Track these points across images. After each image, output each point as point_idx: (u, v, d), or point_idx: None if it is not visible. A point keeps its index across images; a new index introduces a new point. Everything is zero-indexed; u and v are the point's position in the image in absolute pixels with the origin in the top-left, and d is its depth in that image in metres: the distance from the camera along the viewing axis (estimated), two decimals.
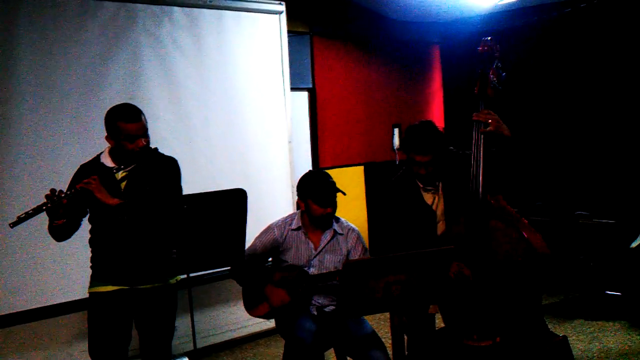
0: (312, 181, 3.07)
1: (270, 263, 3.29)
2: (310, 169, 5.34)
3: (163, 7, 4.19)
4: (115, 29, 3.98)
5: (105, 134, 2.75)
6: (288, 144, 4.84)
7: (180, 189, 2.89)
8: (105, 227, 2.79)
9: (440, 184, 3.01)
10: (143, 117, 2.76)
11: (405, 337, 2.78)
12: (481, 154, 2.74)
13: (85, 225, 2.87)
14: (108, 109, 2.77)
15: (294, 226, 3.15)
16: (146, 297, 2.82)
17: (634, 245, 4.36)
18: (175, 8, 4.25)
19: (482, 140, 2.74)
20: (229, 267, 3.14)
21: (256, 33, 4.65)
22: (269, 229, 3.20)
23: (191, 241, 2.60)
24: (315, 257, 3.12)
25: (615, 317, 4.62)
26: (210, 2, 4.39)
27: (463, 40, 5.89)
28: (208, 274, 3.98)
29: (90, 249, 2.87)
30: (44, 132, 3.71)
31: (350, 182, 5.73)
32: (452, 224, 2.92)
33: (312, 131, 5.48)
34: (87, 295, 2.88)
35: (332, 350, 3.24)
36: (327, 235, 3.14)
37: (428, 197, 3.02)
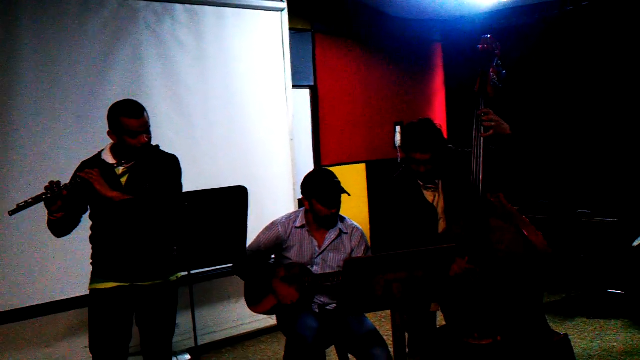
0: (317, 181, 3.05)
1: (272, 260, 3.28)
2: (312, 166, 5.34)
3: (164, 4, 4.18)
4: (116, 26, 3.97)
5: (108, 129, 2.76)
6: (290, 141, 4.83)
7: (180, 186, 2.89)
8: (106, 224, 2.79)
9: (440, 182, 3.00)
10: (146, 114, 2.76)
11: (407, 334, 2.77)
12: (481, 152, 2.73)
13: (85, 222, 2.87)
14: (110, 105, 2.78)
15: (298, 224, 3.14)
16: (147, 294, 2.82)
17: (636, 243, 4.35)
18: (177, 5, 4.25)
19: (482, 139, 2.74)
20: (230, 264, 3.15)
21: (258, 30, 4.64)
22: (272, 225, 3.19)
23: (192, 238, 2.60)
24: (318, 255, 3.11)
25: (617, 316, 4.62)
26: None
27: (465, 38, 5.89)
28: (209, 271, 3.98)
29: (90, 245, 2.87)
30: (46, 129, 3.71)
31: (352, 179, 5.72)
32: (453, 223, 2.92)
33: (313, 128, 5.47)
34: (87, 292, 2.88)
35: (333, 348, 3.24)
36: (332, 234, 3.13)
37: (429, 195, 3.02)
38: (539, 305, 2.75)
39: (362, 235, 3.20)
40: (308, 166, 5.29)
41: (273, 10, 4.73)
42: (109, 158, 2.80)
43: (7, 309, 3.59)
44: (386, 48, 6.04)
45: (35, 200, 2.58)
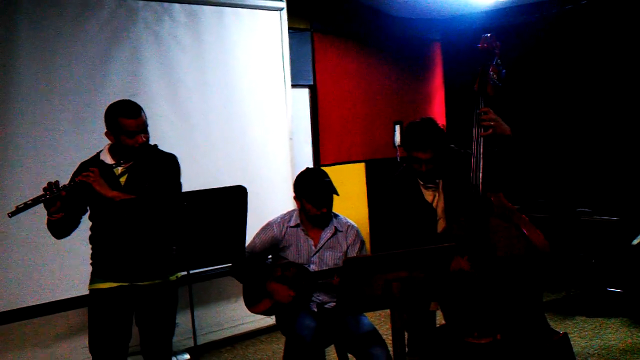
0: (307, 180, 3.05)
1: (269, 260, 3.28)
2: (311, 166, 5.34)
3: (163, 3, 4.18)
4: (115, 25, 3.97)
5: (105, 130, 2.76)
6: (289, 140, 4.83)
7: (180, 185, 2.89)
8: (105, 224, 2.79)
9: (441, 182, 3.00)
10: (143, 114, 2.76)
11: (406, 334, 2.77)
12: (481, 152, 2.73)
13: (85, 222, 2.87)
14: (108, 105, 2.78)
15: (292, 223, 3.14)
16: (146, 294, 2.82)
17: (635, 242, 4.36)
18: (176, 5, 4.24)
19: (482, 139, 2.74)
20: (229, 264, 3.14)
21: (257, 30, 4.64)
22: (267, 226, 3.19)
23: (191, 238, 2.60)
24: (315, 254, 3.11)
25: (617, 314, 4.62)
26: None
27: (464, 37, 5.88)
28: (209, 270, 3.97)
29: (90, 246, 2.87)
30: (45, 129, 3.71)
31: (351, 179, 5.72)
32: (453, 222, 2.92)
33: (313, 128, 5.47)
34: (87, 292, 2.88)
35: (333, 348, 3.24)
36: (328, 232, 3.13)
37: (428, 195, 3.02)
38: (538, 304, 2.75)
39: (358, 232, 3.19)
40: (307, 165, 5.27)
41: (272, 10, 4.72)
42: (107, 158, 2.80)
43: (6, 309, 3.59)
44: (385, 47, 6.04)
45: (34, 201, 2.57)
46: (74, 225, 2.83)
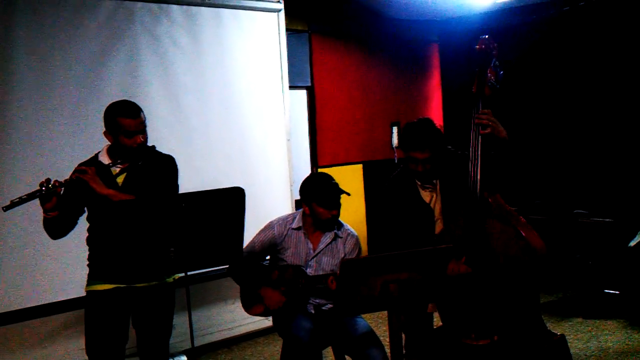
0: (316, 184, 3.06)
1: (267, 261, 3.28)
2: (309, 167, 5.34)
3: (161, 5, 4.18)
4: (113, 26, 3.97)
5: (104, 129, 2.76)
6: (287, 142, 4.83)
7: (177, 186, 2.88)
8: (102, 225, 2.78)
9: (438, 182, 3.00)
10: (142, 114, 2.76)
11: (403, 335, 2.77)
12: (479, 153, 2.73)
13: (82, 224, 2.86)
14: (107, 105, 2.77)
15: (294, 225, 3.15)
16: (143, 296, 2.81)
17: (632, 243, 4.36)
18: (174, 6, 4.24)
19: (479, 140, 2.74)
20: (227, 266, 3.14)
21: (254, 31, 4.64)
22: (269, 226, 3.20)
23: (189, 239, 2.59)
24: (312, 258, 3.11)
25: (614, 316, 4.62)
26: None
27: (462, 38, 5.89)
28: (206, 272, 3.98)
29: (87, 247, 2.86)
30: (42, 130, 3.70)
31: (348, 180, 5.72)
32: (450, 223, 2.92)
33: (310, 129, 5.47)
34: (84, 294, 2.87)
35: (330, 349, 3.24)
36: (328, 237, 3.14)
37: (426, 195, 3.02)
38: (536, 306, 2.75)
39: (357, 241, 3.21)
40: (305, 167, 5.29)
41: (270, 11, 4.72)
42: (105, 159, 2.79)
43: (2, 311, 3.58)
44: (383, 49, 6.04)
45: (30, 196, 2.56)
46: (70, 225, 2.82)
